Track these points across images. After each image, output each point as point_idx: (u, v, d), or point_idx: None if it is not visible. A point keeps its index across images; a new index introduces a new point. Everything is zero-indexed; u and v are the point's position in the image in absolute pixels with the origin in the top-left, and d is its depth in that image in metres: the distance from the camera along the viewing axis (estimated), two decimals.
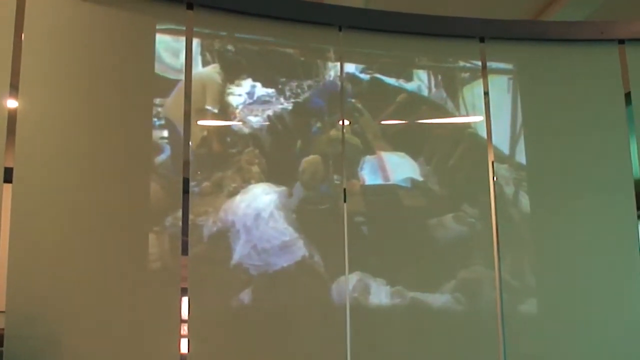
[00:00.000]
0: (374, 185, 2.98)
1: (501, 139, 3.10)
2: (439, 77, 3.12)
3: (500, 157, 3.08)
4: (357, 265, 2.86)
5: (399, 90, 3.07)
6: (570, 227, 3.06)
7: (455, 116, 3.10)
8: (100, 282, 2.55)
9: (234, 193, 2.79)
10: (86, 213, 2.58)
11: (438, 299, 2.91)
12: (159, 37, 2.79)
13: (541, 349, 2.94)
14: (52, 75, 2.64)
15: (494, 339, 2.91)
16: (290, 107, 2.93)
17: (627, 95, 3.16)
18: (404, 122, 3.05)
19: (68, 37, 2.69)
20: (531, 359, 2.93)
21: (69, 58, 2.67)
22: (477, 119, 3.09)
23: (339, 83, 3.00)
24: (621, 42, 3.20)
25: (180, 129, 2.76)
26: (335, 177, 2.92)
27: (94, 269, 2.55)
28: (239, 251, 2.74)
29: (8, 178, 2.48)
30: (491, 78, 3.14)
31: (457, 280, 2.95)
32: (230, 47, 2.92)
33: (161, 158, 2.71)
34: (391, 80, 3.08)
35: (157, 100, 2.74)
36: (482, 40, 3.16)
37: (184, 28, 2.83)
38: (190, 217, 2.70)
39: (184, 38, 2.83)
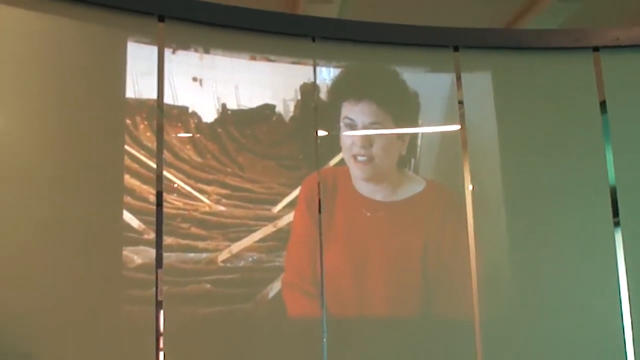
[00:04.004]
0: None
1: (477, 148, 3.09)
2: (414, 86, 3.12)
3: (476, 166, 3.07)
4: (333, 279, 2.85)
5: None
6: (547, 235, 3.05)
7: (431, 125, 3.10)
8: (74, 298, 2.52)
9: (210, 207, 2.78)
10: (58, 229, 2.55)
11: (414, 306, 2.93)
12: (130, 50, 2.77)
13: (517, 355, 2.93)
14: (22, 92, 2.60)
15: (471, 347, 2.90)
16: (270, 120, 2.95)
17: (602, 103, 3.16)
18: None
19: (37, 52, 2.65)
20: None
21: (38, 73, 2.64)
22: (453, 127, 3.09)
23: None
24: (595, 49, 3.20)
25: (153, 142, 2.74)
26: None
27: (67, 285, 2.52)
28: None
29: None
30: (466, 87, 3.13)
31: (434, 287, 2.95)
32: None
33: (134, 172, 2.68)
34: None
35: (129, 115, 2.72)
36: (456, 49, 3.15)
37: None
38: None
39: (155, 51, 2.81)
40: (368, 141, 3.02)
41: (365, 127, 3.02)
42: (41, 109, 2.62)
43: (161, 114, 2.78)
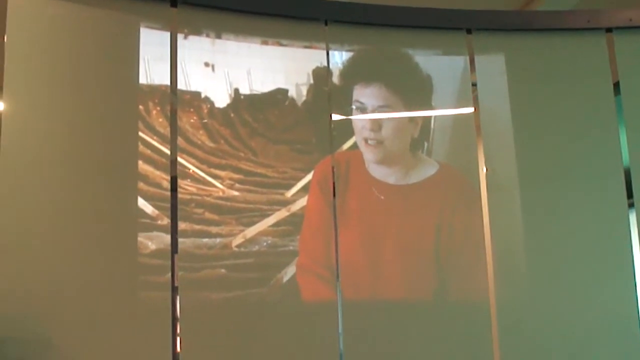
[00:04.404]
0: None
1: (490, 130, 3.08)
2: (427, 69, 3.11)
3: (489, 148, 3.06)
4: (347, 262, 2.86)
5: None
6: (561, 217, 3.04)
7: (444, 108, 3.09)
8: (90, 285, 2.54)
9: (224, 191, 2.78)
10: (73, 214, 2.57)
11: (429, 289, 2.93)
12: (142, 36, 2.78)
13: (533, 337, 2.93)
14: (36, 77, 2.62)
15: (487, 329, 2.90)
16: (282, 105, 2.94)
17: (616, 85, 3.14)
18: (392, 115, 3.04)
19: (51, 38, 2.67)
20: (523, 349, 2.92)
21: (52, 59, 2.65)
22: (467, 110, 3.08)
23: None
24: (608, 30, 3.18)
25: (166, 128, 2.74)
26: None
27: (83, 271, 2.53)
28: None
29: None
30: (479, 69, 3.12)
31: (448, 270, 2.95)
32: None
33: (147, 157, 2.68)
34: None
35: (142, 101, 2.72)
36: (469, 31, 3.14)
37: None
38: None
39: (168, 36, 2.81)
40: (377, 124, 3.02)
41: (374, 110, 3.02)
42: (53, 95, 2.63)
43: (175, 99, 2.79)
